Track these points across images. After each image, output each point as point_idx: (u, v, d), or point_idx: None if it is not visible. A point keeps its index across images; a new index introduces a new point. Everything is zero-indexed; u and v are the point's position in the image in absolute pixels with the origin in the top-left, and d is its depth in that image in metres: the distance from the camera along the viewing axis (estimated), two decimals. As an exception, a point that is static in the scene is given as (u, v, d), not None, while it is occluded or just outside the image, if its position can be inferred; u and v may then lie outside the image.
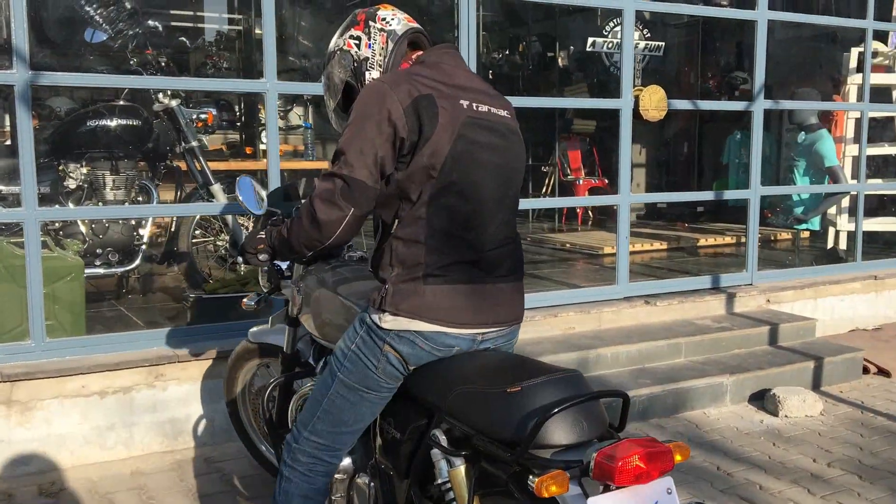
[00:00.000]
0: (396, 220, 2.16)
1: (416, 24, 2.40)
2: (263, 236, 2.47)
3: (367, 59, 2.34)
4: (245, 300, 2.86)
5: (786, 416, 4.45)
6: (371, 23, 2.35)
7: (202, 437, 4.00)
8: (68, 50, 5.14)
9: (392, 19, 2.36)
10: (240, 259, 2.63)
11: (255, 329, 3.27)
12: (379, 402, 2.27)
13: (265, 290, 2.77)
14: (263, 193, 2.66)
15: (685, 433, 4.22)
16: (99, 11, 4.77)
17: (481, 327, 2.19)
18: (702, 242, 7.79)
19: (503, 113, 2.29)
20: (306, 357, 2.91)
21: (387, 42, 2.33)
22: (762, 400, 4.62)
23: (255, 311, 2.84)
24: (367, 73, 2.34)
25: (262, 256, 2.50)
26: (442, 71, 2.23)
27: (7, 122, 5.70)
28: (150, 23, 5.19)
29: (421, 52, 2.35)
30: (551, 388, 1.95)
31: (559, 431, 1.87)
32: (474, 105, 2.20)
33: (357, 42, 2.35)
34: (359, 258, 2.84)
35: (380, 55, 2.33)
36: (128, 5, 4.86)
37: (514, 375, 2.01)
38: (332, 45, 2.42)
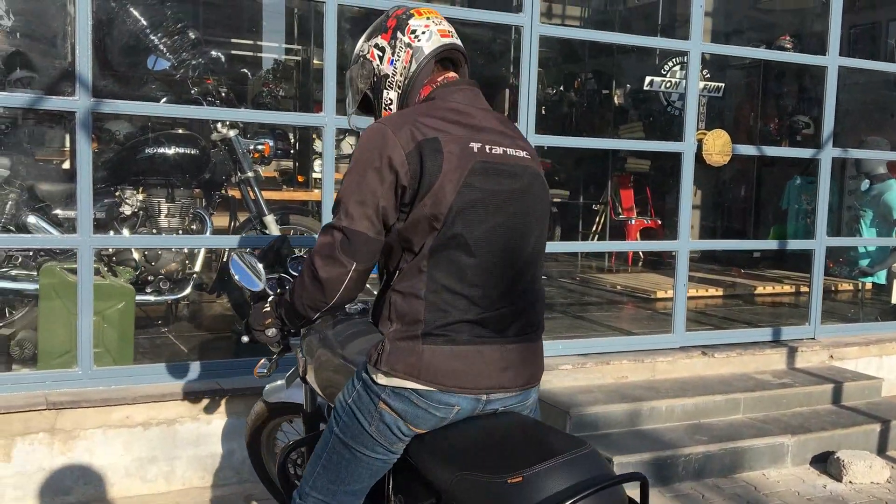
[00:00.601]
0: (397, 271, 2.02)
1: (450, 40, 2.17)
2: (269, 310, 2.32)
3: (386, 76, 2.15)
4: (257, 368, 2.68)
5: (850, 482, 4.23)
6: (399, 34, 2.14)
7: (243, 474, 3.92)
8: (130, 77, 5.19)
9: (423, 33, 2.13)
10: (245, 339, 2.46)
11: (269, 388, 3.11)
12: (375, 463, 2.10)
13: (275, 353, 2.62)
14: (260, 266, 2.49)
15: (743, 496, 4.02)
16: (164, 41, 4.82)
17: (484, 393, 2.03)
18: (759, 290, 7.56)
19: (522, 154, 2.10)
20: (326, 414, 2.77)
21: (410, 61, 2.12)
22: (825, 463, 4.40)
23: (268, 376, 2.69)
24: (384, 91, 2.16)
25: (270, 332, 2.33)
26: (454, 110, 2.06)
27: (64, 144, 5.77)
28: (213, 53, 5.22)
29: (451, 74, 2.18)
30: (558, 474, 1.77)
31: None
32: (487, 147, 2.02)
33: (381, 54, 2.15)
34: (361, 310, 2.68)
35: (401, 75, 2.13)
36: (192, 35, 4.90)
37: (519, 457, 1.84)
38: (359, 45, 2.23)
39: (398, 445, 2.07)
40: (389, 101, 2.16)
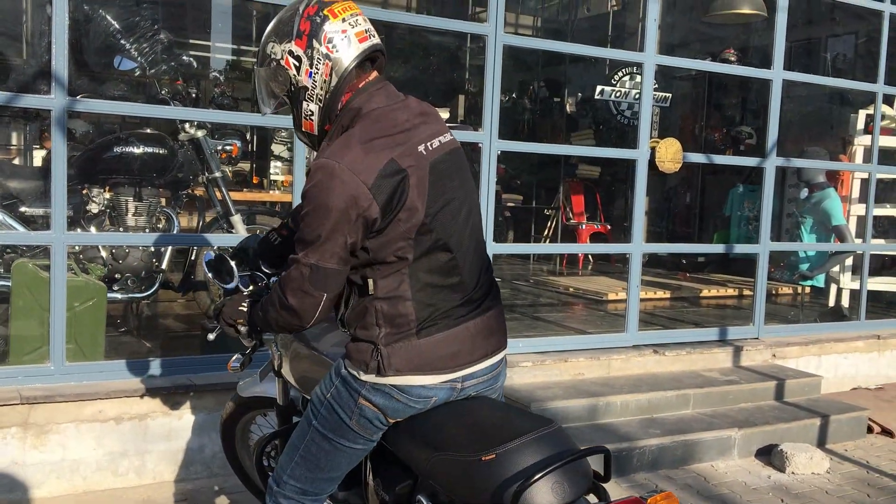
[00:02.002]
0: (372, 281, 2.05)
1: (368, 42, 2.09)
2: (244, 309, 2.33)
3: (306, 88, 2.09)
4: (231, 363, 2.74)
5: (793, 473, 4.48)
6: (315, 43, 2.04)
7: (214, 468, 3.99)
8: (102, 77, 5.20)
9: (341, 41, 2.05)
10: (211, 336, 2.53)
11: (242, 383, 3.17)
12: (355, 452, 2.19)
13: (248, 348, 2.70)
14: (232, 264, 2.53)
15: (694, 486, 4.24)
16: (135, 45, 4.86)
17: (475, 364, 2.13)
18: (705, 293, 7.86)
19: (447, 137, 2.16)
20: (300, 406, 2.86)
21: (331, 75, 2.06)
22: (769, 455, 4.64)
23: (241, 370, 2.77)
24: (304, 102, 2.11)
25: (242, 329, 2.37)
26: (387, 119, 2.05)
27: (33, 142, 5.73)
28: (185, 58, 5.27)
29: (371, 75, 2.14)
30: (529, 450, 1.89)
31: (541, 496, 1.82)
32: (429, 144, 2.07)
33: (297, 64, 2.07)
34: None
35: (321, 89, 2.08)
36: (163, 38, 4.95)
37: (491, 437, 1.95)
38: (268, 42, 2.11)
39: (377, 435, 2.18)
40: (311, 113, 2.12)
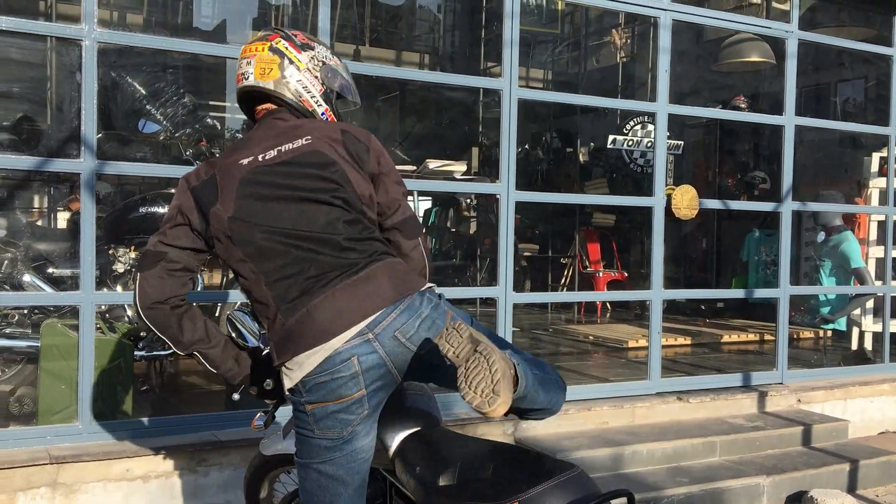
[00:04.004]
0: (241, 288, 2.30)
1: (240, 85, 2.42)
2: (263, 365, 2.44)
3: None
4: (255, 421, 2.75)
5: (825, 520, 4.41)
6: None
7: (241, 525, 3.98)
8: (125, 139, 5.34)
9: (246, 70, 2.40)
10: (236, 396, 2.59)
11: (266, 441, 3.14)
12: (341, 478, 2.18)
13: (270, 406, 2.71)
14: (255, 325, 2.56)
15: (725, 534, 4.18)
16: (160, 110, 5.00)
17: (373, 313, 2.16)
18: (725, 339, 7.83)
19: (300, 143, 2.29)
20: None
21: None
22: (799, 502, 4.58)
23: (264, 428, 2.77)
24: None
25: (265, 387, 2.47)
26: (244, 139, 2.37)
27: (44, 205, 5.86)
28: (208, 120, 5.41)
29: (260, 108, 2.43)
30: (554, 495, 1.87)
31: None
32: (260, 156, 2.27)
33: None
34: None
35: None
36: (188, 102, 5.08)
37: (514, 483, 1.93)
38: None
39: (346, 429, 2.17)
40: None
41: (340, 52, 9.14)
